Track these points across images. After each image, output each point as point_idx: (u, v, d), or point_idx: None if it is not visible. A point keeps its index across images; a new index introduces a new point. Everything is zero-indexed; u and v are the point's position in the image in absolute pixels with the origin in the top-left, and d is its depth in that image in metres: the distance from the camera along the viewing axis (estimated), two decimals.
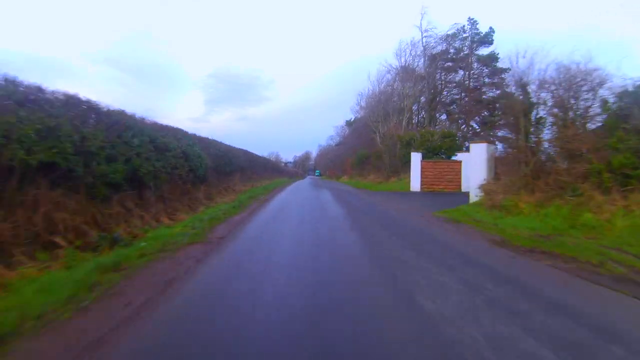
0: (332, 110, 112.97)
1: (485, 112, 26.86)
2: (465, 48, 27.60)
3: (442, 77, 28.58)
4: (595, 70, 8.57)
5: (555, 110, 8.90)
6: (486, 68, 26.15)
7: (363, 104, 30.40)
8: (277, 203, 10.59)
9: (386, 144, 19.42)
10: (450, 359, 1.88)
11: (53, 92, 6.09)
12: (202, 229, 5.54)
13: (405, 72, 25.84)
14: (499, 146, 11.37)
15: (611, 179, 6.80)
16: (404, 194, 14.65)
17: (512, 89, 9.66)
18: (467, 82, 27.16)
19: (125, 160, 6.94)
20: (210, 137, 13.19)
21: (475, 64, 26.79)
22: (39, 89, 5.57)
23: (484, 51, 26.76)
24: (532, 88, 9.78)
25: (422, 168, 15.67)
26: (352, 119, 45.91)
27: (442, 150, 16.65)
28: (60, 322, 2.37)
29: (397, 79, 27.36)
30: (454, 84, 28.40)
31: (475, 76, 26.97)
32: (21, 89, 5.10)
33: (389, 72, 27.76)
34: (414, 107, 26.82)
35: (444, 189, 15.44)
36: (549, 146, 8.77)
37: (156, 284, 3.15)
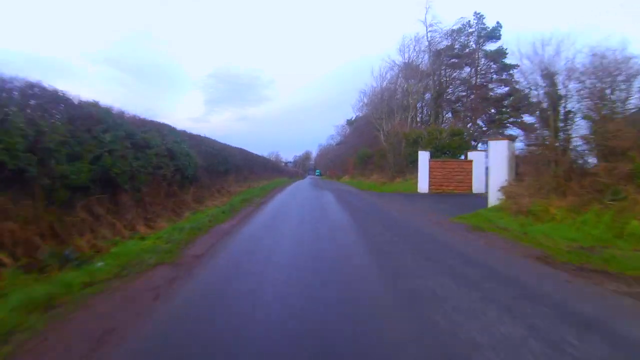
0: (332, 110, 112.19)
1: (493, 110, 25.81)
2: (472, 43, 26.56)
3: (447, 74, 27.51)
4: (631, 58, 7.57)
5: (590, 102, 7.86)
6: (494, 64, 25.08)
7: (366, 100, 29.35)
8: (274, 207, 9.53)
9: (390, 142, 18.38)
10: None
11: (11, 79, 5.13)
12: (179, 243, 4.51)
13: (410, 69, 24.78)
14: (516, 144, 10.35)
15: None
16: (412, 195, 13.60)
17: (538, 79, 8.66)
18: (473, 78, 26.10)
19: (94, 159, 5.91)
20: (202, 135, 12.16)
21: (483, 59, 25.71)
22: None
23: (491, 46, 25.77)
24: (559, 79, 8.78)
25: (430, 168, 14.63)
26: (353, 118, 44.89)
27: (451, 149, 15.60)
28: None
29: (400, 75, 26.32)
30: (460, 81, 27.34)
31: (483, 72, 25.89)
32: None
33: (392, 68, 26.74)
34: (418, 105, 25.78)
35: (454, 190, 14.40)
36: (583, 143, 7.74)
37: (88, 338, 2.13)
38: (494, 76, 25.44)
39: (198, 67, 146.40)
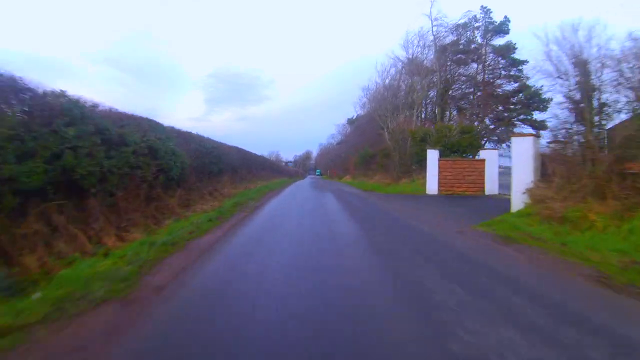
0: (332, 110, 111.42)
1: (500, 107, 24.77)
2: (478, 38, 25.51)
3: (452, 70, 26.46)
4: None
5: (631, 93, 6.88)
6: (502, 59, 24.04)
7: (369, 97, 28.26)
8: (269, 213, 8.51)
9: (395, 141, 17.36)
10: None
11: None
12: (143, 265, 3.53)
13: (414, 64, 23.76)
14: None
15: None
16: (421, 198, 12.60)
17: (568, 68, 7.67)
18: (480, 75, 25.04)
19: (52, 157, 4.93)
20: (194, 132, 11.16)
21: (491, 55, 24.66)
22: None
23: (498, 41, 24.72)
24: (592, 67, 7.79)
25: (439, 167, 13.63)
26: (354, 117, 43.86)
27: (461, 148, 14.59)
28: None
29: (403, 71, 25.31)
30: (465, 77, 26.29)
31: (490, 68, 24.84)
32: None
33: (395, 64, 25.71)
34: (422, 102, 24.74)
35: (465, 192, 13.40)
36: (624, 139, 6.75)
37: None
38: (502, 72, 24.36)
39: (198, 67, 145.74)
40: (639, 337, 2.23)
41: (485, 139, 21.12)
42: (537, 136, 8.22)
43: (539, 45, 8.53)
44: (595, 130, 7.43)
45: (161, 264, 3.59)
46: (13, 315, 2.67)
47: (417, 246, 4.87)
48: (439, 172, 13.62)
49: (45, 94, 5.59)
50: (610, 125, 7.40)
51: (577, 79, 7.56)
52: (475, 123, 22.55)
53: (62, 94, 5.84)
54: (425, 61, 25.09)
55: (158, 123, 8.23)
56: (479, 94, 25.52)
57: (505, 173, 14.05)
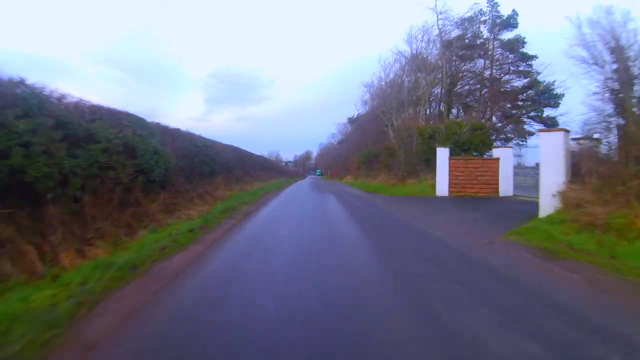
0: (332, 110, 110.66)
1: (508, 105, 23.79)
2: (485, 32, 24.53)
3: (457, 66, 25.51)
4: None
5: None
6: (511, 54, 23.07)
7: (373, 93, 27.24)
8: (263, 219, 7.50)
9: (401, 138, 16.41)
10: None
11: None
12: (85, 301, 2.59)
13: (419, 59, 22.81)
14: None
15: None
16: (431, 200, 11.66)
17: (605, 54, 6.76)
18: (488, 70, 24.07)
19: None
20: (183, 130, 10.22)
21: (499, 49, 23.69)
22: None
23: (506, 35, 23.75)
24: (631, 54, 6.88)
25: (450, 167, 12.68)
26: (355, 116, 42.90)
27: (472, 146, 13.63)
28: None
29: (406, 67, 24.35)
30: (471, 74, 25.32)
31: (498, 63, 23.86)
32: None
33: (399, 60, 24.75)
34: (427, 99, 23.77)
35: (478, 193, 12.46)
36: None
37: None
38: (511, 67, 23.37)
39: (198, 67, 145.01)
40: None
41: (493, 136, 20.14)
42: (567, 131, 7.28)
43: (568, 31, 7.62)
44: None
45: (109, 300, 2.65)
46: None
47: (446, 267, 3.93)
48: (450, 171, 12.68)
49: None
50: None
51: (616, 66, 6.65)
52: (482, 120, 21.58)
53: (21, 82, 4.93)
54: (429, 57, 24.15)
55: (140, 118, 7.30)
56: (485, 90, 24.56)
57: (517, 173, 13.13)
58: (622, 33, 6.94)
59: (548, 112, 21.53)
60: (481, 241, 5.31)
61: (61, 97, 5.70)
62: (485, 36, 24.91)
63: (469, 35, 25.18)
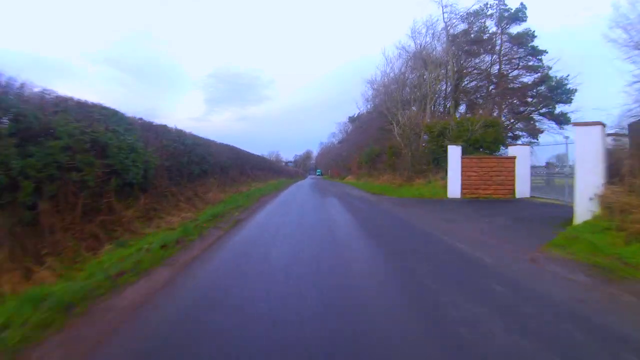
0: (332, 109, 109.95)
1: (516, 101, 22.86)
2: (493, 26, 23.56)
3: (464, 62, 24.57)
4: None
5: None
6: (520, 48, 22.13)
7: (376, 90, 26.30)
8: (256, 229, 6.37)
9: (407, 136, 15.49)
10: None
11: None
12: None
13: (424, 54, 21.89)
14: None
15: None
16: (444, 203, 10.73)
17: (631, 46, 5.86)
18: (496, 65, 23.12)
19: None
20: (170, 126, 9.30)
21: (507, 43, 22.72)
22: None
23: (515, 29, 22.80)
24: None
25: (462, 166, 11.77)
26: (356, 115, 41.99)
27: (485, 143, 12.71)
28: None
29: (409, 63, 23.44)
30: (477, 70, 24.38)
31: (507, 58, 22.89)
32: None
33: (402, 56, 23.83)
34: (433, 95, 22.84)
35: (492, 195, 11.55)
36: None
37: None
38: (520, 63, 22.40)
39: (198, 67, 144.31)
40: None
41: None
42: (604, 125, 6.36)
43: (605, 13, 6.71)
44: None
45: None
46: None
47: (490, 302, 3.00)
48: (462, 171, 11.77)
49: None
50: None
51: None
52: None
53: None
54: (434, 52, 23.21)
55: (117, 112, 6.39)
56: (492, 87, 23.63)
57: (533, 173, 12.22)
58: None
59: (560, 108, 20.62)
60: (520, 257, 4.38)
61: (21, 86, 4.81)
62: (492, 30, 23.98)
63: (475, 30, 24.23)
